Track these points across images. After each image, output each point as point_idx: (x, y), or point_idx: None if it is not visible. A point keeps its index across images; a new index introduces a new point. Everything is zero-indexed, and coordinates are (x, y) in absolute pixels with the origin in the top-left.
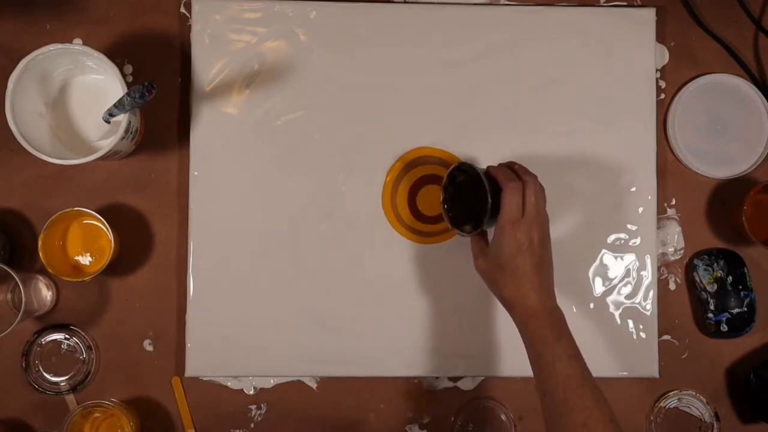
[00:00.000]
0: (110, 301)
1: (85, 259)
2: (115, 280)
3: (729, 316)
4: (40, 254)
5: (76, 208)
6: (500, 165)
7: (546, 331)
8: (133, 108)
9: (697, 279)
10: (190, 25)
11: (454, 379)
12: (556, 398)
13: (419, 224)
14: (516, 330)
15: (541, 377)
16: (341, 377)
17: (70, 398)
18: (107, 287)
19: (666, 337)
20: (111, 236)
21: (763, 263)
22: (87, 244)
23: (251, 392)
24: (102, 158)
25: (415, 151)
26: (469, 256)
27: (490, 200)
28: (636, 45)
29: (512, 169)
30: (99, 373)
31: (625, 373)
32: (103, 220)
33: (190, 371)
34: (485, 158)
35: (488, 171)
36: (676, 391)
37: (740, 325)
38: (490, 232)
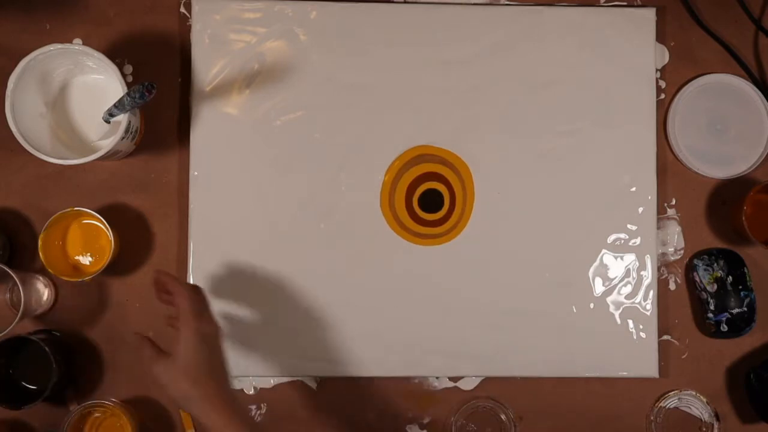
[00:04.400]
0: (110, 301)
1: (85, 259)
2: (115, 280)
3: (729, 316)
4: (40, 254)
5: (76, 208)
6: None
7: (234, 427)
8: (133, 108)
9: (697, 279)
10: (190, 25)
11: (454, 379)
12: None
13: (417, 226)
14: (516, 330)
15: None
16: (341, 377)
17: (71, 398)
18: (107, 287)
19: (666, 337)
20: (111, 236)
21: (763, 263)
22: (87, 244)
23: (251, 392)
24: (102, 158)
25: (414, 150)
26: (468, 257)
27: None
28: (636, 45)
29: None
30: (99, 373)
31: (625, 373)
32: (103, 219)
33: None
34: (485, 158)
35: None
36: (676, 391)
37: (740, 325)
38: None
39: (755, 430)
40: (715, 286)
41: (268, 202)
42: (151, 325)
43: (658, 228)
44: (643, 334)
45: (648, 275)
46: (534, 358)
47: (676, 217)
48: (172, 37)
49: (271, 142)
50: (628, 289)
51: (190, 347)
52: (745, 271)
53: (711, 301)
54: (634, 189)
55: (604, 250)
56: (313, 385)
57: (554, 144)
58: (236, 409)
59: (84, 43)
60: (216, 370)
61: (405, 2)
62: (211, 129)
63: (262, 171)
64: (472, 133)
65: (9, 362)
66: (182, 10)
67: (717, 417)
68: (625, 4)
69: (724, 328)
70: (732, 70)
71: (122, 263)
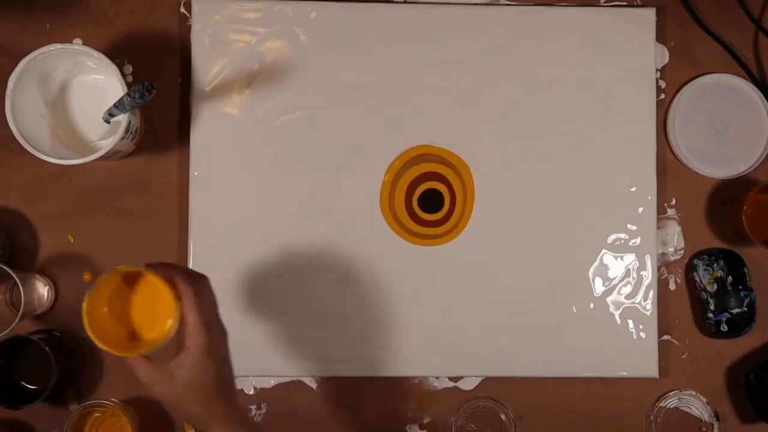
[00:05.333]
0: None
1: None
2: None
3: (729, 316)
4: (86, 321)
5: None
6: (173, 265)
7: None
8: (133, 108)
9: (697, 279)
10: (190, 25)
11: (454, 379)
12: None
13: (417, 226)
14: (516, 330)
15: None
16: (341, 377)
17: (71, 398)
18: None
19: (666, 337)
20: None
21: (763, 263)
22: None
23: (251, 392)
24: (102, 158)
25: (414, 150)
26: (468, 257)
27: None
28: (636, 45)
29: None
30: (99, 373)
31: (625, 373)
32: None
33: None
34: (485, 158)
35: (158, 272)
36: (676, 391)
37: (740, 325)
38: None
39: (755, 430)
40: (715, 286)
41: (268, 202)
42: None
43: (658, 228)
44: (643, 334)
45: (648, 275)
46: (534, 358)
47: (676, 217)
48: (172, 37)
49: (271, 142)
50: (628, 289)
51: (198, 366)
52: (745, 271)
53: (711, 301)
54: (634, 189)
55: (604, 250)
56: (313, 385)
57: (554, 144)
58: (246, 425)
59: (84, 43)
60: (225, 388)
61: (405, 2)
62: (211, 129)
63: (262, 171)
64: (472, 133)
65: (9, 362)
66: (182, 10)
67: (717, 417)
68: (625, 4)
69: (724, 328)
70: (732, 70)
71: (122, 263)
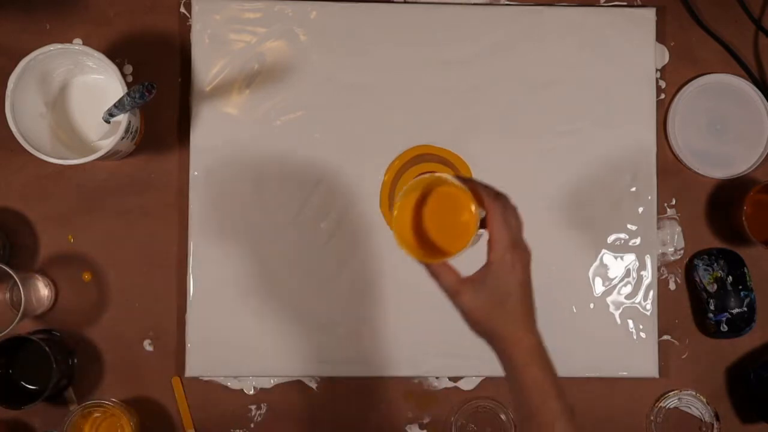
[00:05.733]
0: (110, 301)
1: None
2: (115, 280)
3: (729, 316)
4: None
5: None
6: (473, 180)
7: (548, 386)
8: (133, 108)
9: (697, 279)
10: (190, 25)
11: (454, 379)
12: None
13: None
14: None
15: (532, 418)
16: (341, 377)
17: (71, 398)
18: (107, 287)
19: (666, 337)
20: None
21: (763, 263)
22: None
23: (251, 392)
24: (102, 158)
25: (414, 149)
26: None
27: (476, 220)
28: (636, 45)
29: (487, 187)
30: (99, 373)
31: (625, 373)
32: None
33: (190, 371)
34: (484, 157)
35: (470, 185)
36: (676, 391)
37: (740, 325)
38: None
39: (755, 430)
40: (715, 286)
41: (268, 202)
42: (152, 324)
43: (658, 228)
44: (643, 334)
45: (648, 275)
46: None
47: (676, 217)
48: (172, 37)
49: (271, 142)
50: (628, 289)
51: (502, 284)
52: (745, 271)
53: (711, 301)
54: (634, 189)
55: (604, 250)
56: (313, 385)
57: (554, 144)
58: (546, 364)
59: (84, 43)
60: (527, 314)
61: (405, 2)
62: (211, 129)
63: (262, 171)
64: (472, 133)
65: (9, 362)
66: (182, 10)
67: (717, 417)
68: (625, 4)
69: (724, 328)
70: (732, 70)
71: (122, 263)
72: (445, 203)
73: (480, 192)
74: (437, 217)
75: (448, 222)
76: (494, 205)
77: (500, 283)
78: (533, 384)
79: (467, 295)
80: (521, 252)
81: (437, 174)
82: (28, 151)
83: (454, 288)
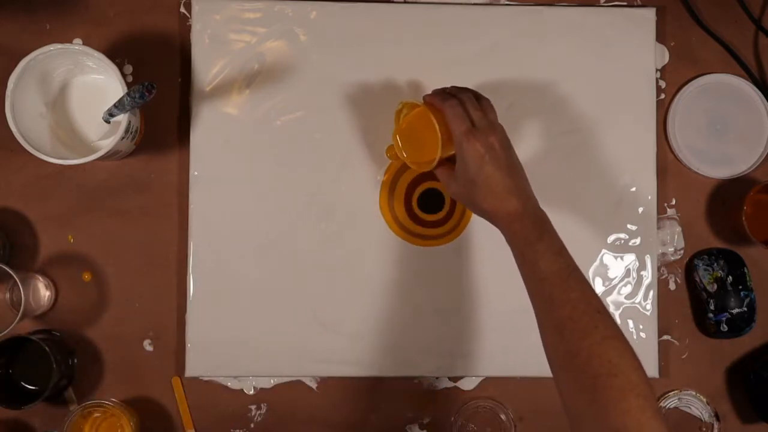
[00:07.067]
0: (110, 301)
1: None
2: (115, 280)
3: (729, 316)
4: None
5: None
6: (434, 91)
7: (528, 231)
8: (133, 108)
9: (697, 279)
10: (190, 25)
11: (454, 379)
12: (542, 295)
13: (417, 227)
14: (516, 330)
15: (527, 277)
16: (341, 377)
17: (71, 398)
18: (107, 287)
19: (666, 337)
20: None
21: (763, 263)
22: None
23: (251, 392)
24: (102, 158)
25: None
26: (467, 258)
27: (438, 128)
28: (636, 45)
29: (445, 91)
30: (99, 373)
31: None
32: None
33: (190, 371)
34: None
35: (425, 100)
36: (676, 391)
37: (740, 325)
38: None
39: (755, 430)
40: (715, 286)
41: (268, 202)
42: (152, 324)
43: (658, 228)
44: (643, 334)
45: (648, 275)
46: (534, 358)
47: (676, 217)
48: (172, 37)
49: (271, 142)
50: (628, 289)
51: (472, 165)
52: (745, 271)
53: (711, 301)
54: (634, 189)
55: (604, 250)
56: (313, 385)
57: (554, 144)
58: (536, 218)
59: (84, 43)
60: (507, 183)
61: (405, 2)
62: (211, 129)
63: (262, 171)
64: None
65: (9, 362)
66: (182, 10)
67: (717, 417)
68: (625, 4)
69: (724, 328)
70: (732, 70)
71: (122, 263)
72: (417, 123)
73: (433, 101)
74: (415, 135)
75: (424, 136)
76: (443, 105)
77: (467, 167)
78: (516, 238)
79: (452, 185)
80: (480, 134)
81: (404, 102)
82: (28, 151)
83: (445, 181)
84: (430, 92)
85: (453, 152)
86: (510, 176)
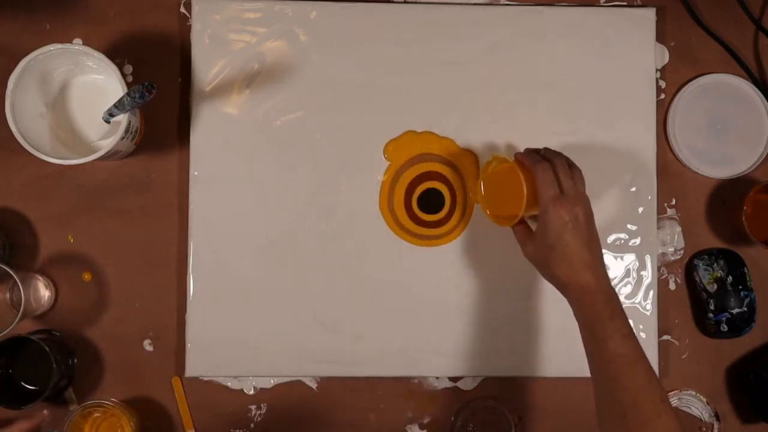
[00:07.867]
0: (110, 301)
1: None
2: (115, 280)
3: (729, 316)
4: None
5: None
6: (527, 150)
7: (600, 309)
8: (133, 108)
9: (697, 279)
10: (190, 25)
11: (454, 379)
12: (607, 375)
13: (417, 227)
14: (516, 330)
15: (593, 354)
16: (341, 377)
17: (71, 398)
18: (107, 287)
19: (666, 337)
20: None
21: (763, 263)
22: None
23: (251, 392)
24: (102, 158)
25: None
26: (466, 258)
27: (524, 187)
28: (636, 45)
29: (538, 153)
30: (99, 373)
31: None
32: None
33: (190, 371)
34: (484, 157)
35: (517, 158)
36: (676, 391)
37: (740, 325)
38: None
39: (755, 430)
40: (715, 286)
41: (268, 202)
42: (152, 324)
43: (658, 228)
44: (643, 334)
45: (648, 275)
46: (534, 358)
47: (676, 217)
48: (172, 37)
49: (271, 142)
50: (628, 289)
51: (553, 233)
52: (745, 271)
53: (711, 301)
54: (634, 189)
55: (604, 250)
56: (313, 385)
57: (554, 144)
58: (610, 296)
59: (84, 43)
60: (587, 256)
61: (405, 2)
62: (211, 129)
63: (262, 171)
64: (472, 132)
65: (9, 362)
66: (182, 10)
67: (717, 417)
68: (625, 4)
69: (724, 328)
70: (732, 70)
71: (122, 263)
72: (504, 177)
73: (525, 161)
74: (500, 189)
75: (509, 192)
76: (535, 167)
77: (549, 232)
78: (587, 313)
79: (529, 246)
80: (567, 202)
81: (495, 155)
82: (28, 151)
83: (522, 240)
84: (522, 150)
85: (534, 213)
86: (589, 250)
